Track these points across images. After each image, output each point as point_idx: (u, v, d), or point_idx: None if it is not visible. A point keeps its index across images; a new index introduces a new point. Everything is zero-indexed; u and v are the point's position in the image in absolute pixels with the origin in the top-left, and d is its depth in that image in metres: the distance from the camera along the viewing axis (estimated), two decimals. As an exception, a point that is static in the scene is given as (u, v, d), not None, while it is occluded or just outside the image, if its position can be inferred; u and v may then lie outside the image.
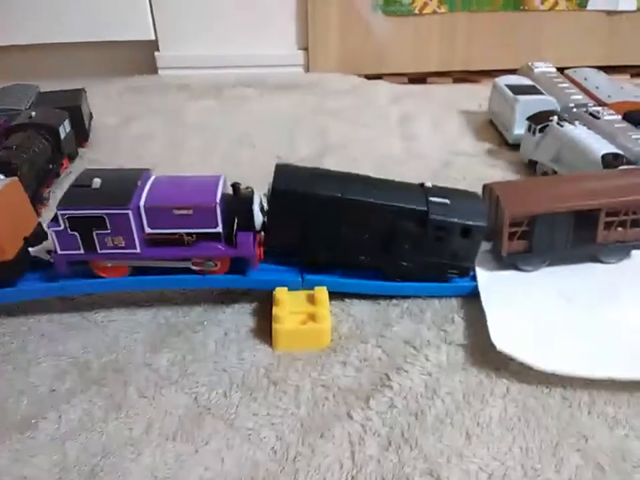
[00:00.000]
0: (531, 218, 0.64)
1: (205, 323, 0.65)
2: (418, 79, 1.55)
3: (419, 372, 0.58)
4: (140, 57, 1.45)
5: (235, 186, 0.62)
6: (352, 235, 0.63)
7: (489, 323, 0.60)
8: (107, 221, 0.59)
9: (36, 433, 0.52)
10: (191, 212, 0.59)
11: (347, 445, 0.50)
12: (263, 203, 0.63)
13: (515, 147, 1.05)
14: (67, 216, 0.59)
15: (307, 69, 1.47)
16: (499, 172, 1.01)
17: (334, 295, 0.66)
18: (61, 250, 0.61)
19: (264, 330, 0.63)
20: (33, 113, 0.97)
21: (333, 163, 1.04)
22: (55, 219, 0.60)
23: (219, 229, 0.61)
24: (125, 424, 0.53)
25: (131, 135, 1.16)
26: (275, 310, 0.61)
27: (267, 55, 1.44)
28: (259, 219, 0.62)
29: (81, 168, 1.03)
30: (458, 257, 0.64)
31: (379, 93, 1.38)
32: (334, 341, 0.62)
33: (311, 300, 0.63)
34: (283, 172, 0.64)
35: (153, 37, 1.40)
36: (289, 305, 0.62)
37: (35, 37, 1.38)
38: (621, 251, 0.69)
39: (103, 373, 0.58)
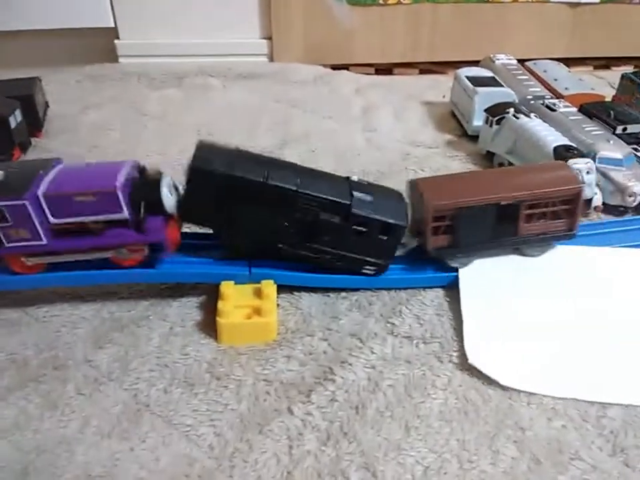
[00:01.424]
0: (454, 212, 0.64)
1: (151, 317, 0.64)
2: (385, 69, 1.54)
3: (362, 365, 0.57)
4: (100, 45, 1.42)
5: (140, 169, 0.61)
6: (272, 221, 0.62)
7: (464, 332, 0.60)
8: (5, 213, 0.57)
9: (-31, 432, 0.51)
10: (92, 198, 0.57)
11: (285, 440, 0.50)
12: (177, 185, 0.61)
13: (475, 138, 1.05)
14: None
15: (271, 58, 1.45)
16: (458, 163, 1.01)
17: (283, 289, 0.66)
18: None
19: (210, 324, 0.62)
20: (-18, 103, 0.94)
21: (293, 154, 1.03)
22: None
23: (125, 214, 0.59)
24: (60, 422, 0.51)
25: (88, 124, 1.14)
26: (219, 304, 0.60)
27: (230, 43, 1.42)
28: (169, 201, 0.60)
29: (34, 158, 1.02)
30: (376, 254, 0.64)
31: (343, 83, 1.37)
32: (280, 335, 0.61)
33: (258, 293, 0.62)
34: (205, 150, 0.61)
35: (112, 24, 1.36)
36: (235, 298, 0.61)
37: (-9, 23, 1.34)
38: (542, 243, 0.69)
39: (41, 370, 0.57)
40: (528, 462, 0.48)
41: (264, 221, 0.62)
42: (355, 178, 0.65)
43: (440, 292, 0.67)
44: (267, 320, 0.60)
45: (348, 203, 0.61)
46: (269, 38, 1.43)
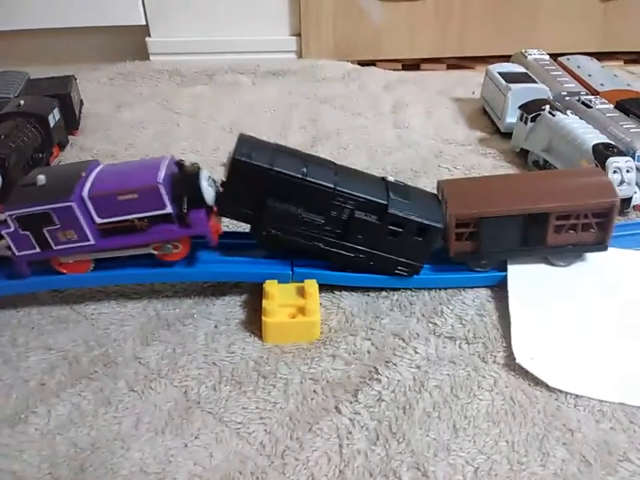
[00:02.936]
0: (477, 220, 0.64)
1: (195, 315, 0.65)
2: (412, 65, 1.54)
3: (407, 365, 0.58)
4: (131, 43, 1.44)
5: (179, 163, 0.62)
6: (308, 218, 0.62)
7: (512, 331, 0.60)
8: (53, 216, 0.58)
9: (25, 428, 0.52)
10: (135, 196, 0.58)
11: (335, 439, 0.50)
12: (212, 177, 0.62)
13: (508, 135, 1.04)
14: (14, 216, 0.58)
15: (300, 55, 1.46)
16: (491, 160, 1.00)
17: (324, 287, 0.66)
18: (18, 251, 0.60)
19: (254, 322, 0.63)
20: (22, 102, 0.96)
21: (324, 152, 1.03)
22: (4, 221, 0.59)
23: (169, 209, 0.60)
24: (114, 418, 0.53)
25: (122, 122, 1.15)
26: (264, 303, 0.61)
27: (260, 40, 1.43)
28: (209, 194, 0.61)
29: (71, 156, 1.04)
30: (410, 255, 0.64)
31: (372, 79, 1.37)
32: (323, 334, 0.62)
33: (301, 293, 0.63)
34: (246, 143, 0.62)
35: (143, 22, 1.38)
36: (279, 297, 0.62)
37: (25, 22, 1.36)
38: (571, 253, 0.68)
39: (92, 367, 0.58)
40: (578, 464, 0.48)
41: (300, 217, 0.62)
42: (391, 178, 0.66)
43: (480, 292, 0.67)
44: (311, 319, 0.60)
45: (385, 202, 0.62)
46: (298, 35, 1.44)
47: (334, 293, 0.67)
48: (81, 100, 1.16)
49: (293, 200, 0.61)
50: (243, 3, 1.39)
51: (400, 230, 0.63)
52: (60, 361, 0.59)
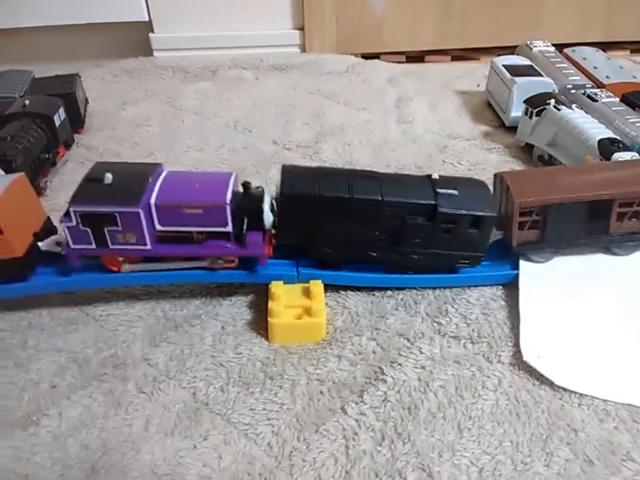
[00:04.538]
0: (542, 208, 0.64)
1: (202, 316, 0.66)
2: (416, 57, 1.53)
3: (412, 365, 0.58)
4: (134, 39, 1.43)
5: (245, 185, 0.63)
6: (362, 232, 0.63)
7: (521, 329, 0.60)
8: (117, 218, 0.59)
9: (37, 430, 0.53)
10: (201, 211, 0.60)
11: (342, 440, 0.51)
12: (273, 202, 0.63)
13: (513, 129, 1.04)
14: (78, 212, 0.59)
15: (303, 49, 1.45)
16: (496, 155, 1.00)
17: (329, 287, 0.67)
18: (73, 244, 0.61)
19: (260, 323, 0.64)
20: (27, 102, 0.96)
21: (329, 148, 1.03)
22: (67, 214, 0.60)
23: (229, 228, 0.61)
24: (124, 420, 0.54)
25: (126, 120, 1.16)
26: (270, 304, 0.62)
27: (263, 34, 1.42)
28: (269, 218, 0.62)
29: (78, 155, 1.05)
30: (468, 247, 0.65)
31: (375, 73, 1.36)
32: (329, 334, 0.63)
33: (307, 293, 0.64)
34: (290, 175, 0.64)
35: (146, 18, 1.38)
36: (285, 298, 0.63)
37: (27, 20, 1.36)
38: (633, 242, 0.68)
39: (102, 369, 0.59)
40: (581, 463, 0.49)
41: (354, 233, 0.63)
42: (436, 175, 0.66)
43: (485, 291, 0.68)
44: (317, 320, 0.61)
45: (433, 202, 0.62)
46: (301, 28, 1.43)
47: (339, 293, 0.68)
48: (86, 98, 1.17)
49: (344, 218, 0.63)
50: (246, -3, 1.38)
51: (453, 226, 0.63)
52: (70, 362, 0.60)
